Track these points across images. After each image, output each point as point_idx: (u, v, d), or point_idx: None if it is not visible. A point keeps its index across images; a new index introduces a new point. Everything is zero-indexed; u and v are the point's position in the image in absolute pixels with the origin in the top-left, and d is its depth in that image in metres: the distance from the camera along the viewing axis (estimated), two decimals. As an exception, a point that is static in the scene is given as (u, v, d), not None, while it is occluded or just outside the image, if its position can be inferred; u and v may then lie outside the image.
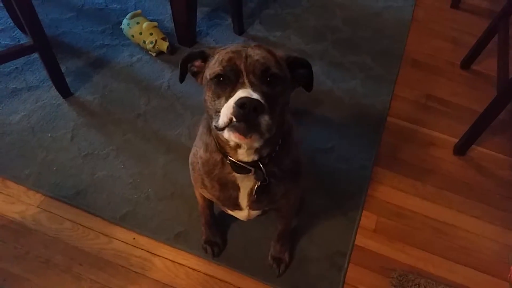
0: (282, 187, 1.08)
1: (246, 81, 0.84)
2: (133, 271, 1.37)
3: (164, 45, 1.92)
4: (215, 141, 0.99)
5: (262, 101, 0.80)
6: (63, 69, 1.74)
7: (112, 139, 1.67)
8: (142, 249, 1.42)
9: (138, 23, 1.92)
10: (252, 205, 1.09)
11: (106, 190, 1.53)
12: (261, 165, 0.97)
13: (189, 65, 1.03)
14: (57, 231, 1.43)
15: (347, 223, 1.53)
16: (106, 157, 1.62)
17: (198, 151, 1.08)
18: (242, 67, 0.85)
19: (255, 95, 0.80)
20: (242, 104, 0.78)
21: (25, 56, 1.83)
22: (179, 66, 1.02)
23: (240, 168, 0.98)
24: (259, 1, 2.35)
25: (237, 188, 1.05)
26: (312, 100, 1.87)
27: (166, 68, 1.94)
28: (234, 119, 0.79)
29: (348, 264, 1.43)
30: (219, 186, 1.06)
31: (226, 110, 0.81)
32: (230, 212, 1.18)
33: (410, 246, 1.50)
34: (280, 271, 1.40)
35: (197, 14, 2.01)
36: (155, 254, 1.41)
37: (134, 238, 1.44)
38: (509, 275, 1.45)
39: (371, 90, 1.97)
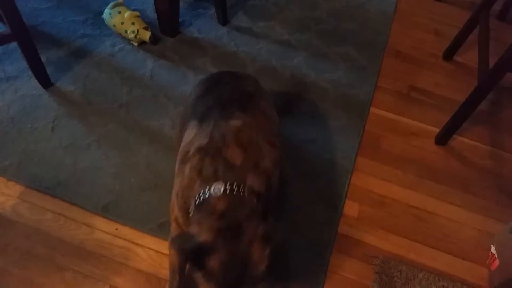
0: None
1: None
2: (116, 261, 1.36)
3: (146, 35, 1.90)
4: None
5: None
6: (43, 59, 1.71)
7: (94, 129, 1.65)
8: (125, 239, 1.41)
9: (120, 12, 1.90)
10: None
11: (88, 181, 1.51)
12: None
13: None
14: (38, 222, 1.42)
15: (330, 212, 1.54)
16: (88, 147, 1.60)
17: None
18: None
19: None
20: None
21: (3, 46, 1.79)
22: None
23: None
24: (243, -9, 2.34)
25: None
26: (296, 91, 1.88)
27: (149, 58, 1.92)
28: None
29: (331, 252, 1.45)
30: None
31: None
32: None
33: (392, 234, 1.52)
34: None
35: (180, 3, 2.00)
36: (138, 244, 1.40)
37: (116, 229, 1.43)
38: (488, 261, 1.48)
39: (355, 81, 1.98)
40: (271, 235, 0.93)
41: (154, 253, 1.39)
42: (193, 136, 1.15)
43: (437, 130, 1.82)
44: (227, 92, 1.26)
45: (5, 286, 1.29)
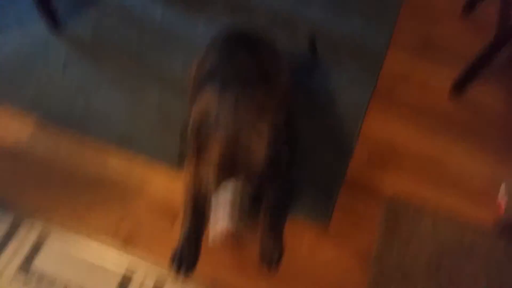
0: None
1: None
2: (131, 190, 1.40)
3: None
4: None
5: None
6: (52, 1, 1.70)
7: (104, 73, 1.66)
8: (139, 171, 1.44)
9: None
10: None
11: (101, 119, 1.54)
12: None
13: None
14: (54, 152, 1.46)
15: (341, 154, 1.55)
16: (99, 90, 1.61)
17: None
18: None
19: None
20: None
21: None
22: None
23: None
24: None
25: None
26: (309, 42, 1.87)
27: (159, 1, 1.90)
28: None
29: (338, 193, 1.46)
30: None
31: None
32: None
33: (401, 178, 1.52)
34: (272, 271, 1.29)
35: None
36: (152, 175, 1.44)
37: (130, 161, 1.46)
38: (496, 204, 1.49)
39: (370, 34, 1.95)
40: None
41: (168, 184, 1.42)
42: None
43: (452, 82, 1.80)
44: (246, 69, 1.29)
45: (27, 208, 1.35)
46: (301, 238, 1.36)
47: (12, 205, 1.35)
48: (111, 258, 1.29)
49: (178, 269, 1.24)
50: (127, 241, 1.31)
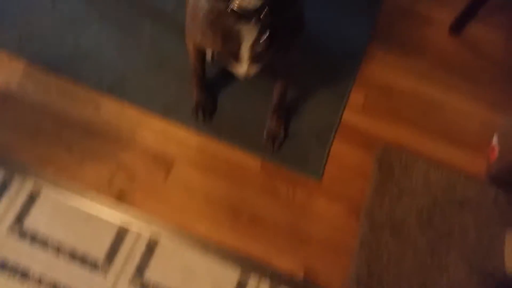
0: (283, 40, 1.06)
1: None
2: (124, 138, 1.39)
3: None
4: None
5: None
6: None
7: (94, 5, 1.58)
8: (132, 119, 1.42)
9: None
10: (254, 58, 1.08)
11: (91, 59, 1.49)
12: (263, 12, 0.94)
13: None
14: (44, 99, 1.42)
15: (336, 99, 1.53)
16: (90, 25, 1.54)
17: (198, 2, 1.03)
18: None
19: None
20: None
21: None
22: None
23: (243, 14, 0.94)
24: None
25: (239, 40, 1.02)
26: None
27: None
28: None
29: (333, 139, 1.47)
30: (221, 37, 1.03)
31: None
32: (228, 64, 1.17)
33: (396, 123, 1.53)
34: (275, 148, 1.43)
35: None
36: (144, 124, 1.42)
37: (122, 109, 1.43)
38: (488, 151, 1.51)
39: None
40: None
41: (160, 134, 1.41)
42: None
43: (452, 19, 1.73)
44: None
45: (18, 162, 1.33)
46: (294, 190, 1.39)
47: (1, 160, 1.33)
48: (105, 213, 1.30)
49: (203, 118, 1.43)
50: (121, 196, 1.32)
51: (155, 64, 1.50)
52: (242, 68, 1.13)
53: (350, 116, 1.52)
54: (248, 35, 1.01)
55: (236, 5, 0.92)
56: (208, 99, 1.45)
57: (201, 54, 1.29)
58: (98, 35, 1.53)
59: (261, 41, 1.01)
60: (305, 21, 1.13)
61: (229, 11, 0.94)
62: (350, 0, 1.74)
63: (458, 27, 1.72)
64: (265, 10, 0.93)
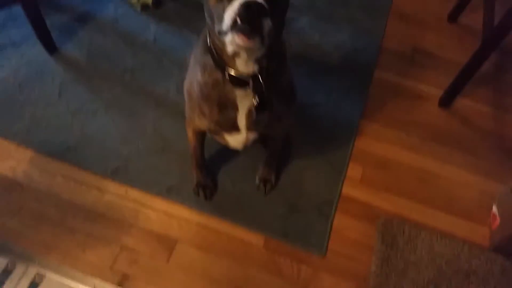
0: (278, 106, 1.12)
1: None
2: (127, 222, 1.40)
3: (149, -1, 1.88)
4: (214, 55, 1.00)
5: (265, 4, 0.81)
6: (47, 24, 1.70)
7: (100, 94, 1.66)
8: (135, 202, 1.44)
9: (122, -24, 1.88)
10: (250, 126, 1.13)
11: (96, 146, 1.54)
12: (260, 77, 0.99)
13: None
14: (49, 185, 1.45)
15: (334, 174, 1.57)
16: (95, 112, 1.61)
17: (194, 77, 1.10)
18: None
19: None
20: (247, 5, 0.79)
21: (8, 12, 1.79)
22: None
23: (239, 80, 1.00)
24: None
25: (236, 108, 1.08)
26: (300, 53, 1.87)
27: (152, 22, 1.91)
28: (238, 21, 0.81)
29: (335, 213, 1.48)
30: (218, 108, 1.08)
31: (231, 11, 0.82)
32: (226, 137, 1.21)
33: (395, 195, 1.55)
34: (267, 190, 1.50)
35: (182, -34, 1.97)
36: (147, 206, 1.44)
37: (126, 191, 1.46)
38: (489, 221, 1.52)
39: (359, 43, 1.97)
40: None
41: (163, 214, 1.43)
42: None
43: (441, 92, 1.82)
44: None
45: (20, 248, 1.33)
46: (298, 267, 1.37)
47: (5, 247, 1.33)
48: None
49: (204, 197, 1.46)
50: (124, 282, 1.30)
51: (157, 147, 1.55)
52: (241, 136, 1.18)
53: (350, 189, 1.55)
54: (245, 102, 1.06)
55: (233, 72, 0.99)
56: (208, 178, 1.48)
57: (201, 135, 1.35)
58: (103, 123, 1.60)
59: (257, 107, 1.05)
60: (296, 89, 1.20)
61: (226, 78, 1.00)
62: (340, 77, 1.84)
63: (447, 100, 1.80)
64: (263, 74, 0.99)
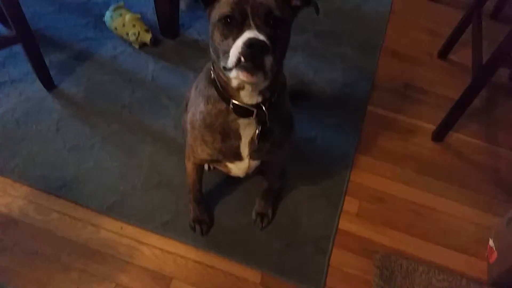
0: (279, 136, 1.15)
1: (252, 23, 0.88)
2: (122, 259, 1.39)
3: (147, 37, 1.93)
4: (218, 87, 1.03)
5: (267, 42, 0.85)
6: (46, 62, 1.73)
7: (97, 130, 1.68)
8: (130, 238, 1.43)
9: (121, 15, 1.93)
10: (252, 154, 1.15)
11: (92, 181, 1.54)
12: (263, 107, 1.03)
13: None
14: (44, 222, 1.44)
15: (331, 208, 1.57)
16: (92, 148, 1.62)
17: (197, 109, 1.12)
18: (248, 10, 0.89)
19: (261, 37, 0.85)
20: (250, 45, 0.84)
21: (7, 50, 1.82)
22: None
23: (243, 110, 1.03)
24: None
25: (239, 137, 1.10)
26: (294, 89, 1.91)
27: (150, 59, 1.95)
28: (242, 59, 0.85)
29: (332, 248, 1.47)
30: (221, 137, 1.11)
31: (235, 50, 0.86)
32: (229, 166, 1.23)
33: (392, 229, 1.55)
34: (263, 225, 1.49)
35: (180, 6, 2.03)
36: (143, 242, 1.43)
37: (121, 228, 1.45)
38: (486, 254, 1.51)
39: (352, 80, 2.02)
40: None
41: (158, 251, 1.41)
42: None
43: (434, 127, 1.85)
44: None
45: (14, 286, 1.31)
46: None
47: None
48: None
49: (200, 232, 1.45)
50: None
51: (154, 183, 1.56)
52: (243, 164, 1.19)
53: (346, 224, 1.54)
54: (248, 131, 1.09)
55: (238, 102, 1.01)
56: (205, 213, 1.48)
57: (200, 169, 1.36)
58: (100, 158, 1.60)
59: (259, 135, 1.08)
60: (293, 120, 1.23)
61: (230, 108, 1.03)
62: (334, 112, 1.87)
63: (440, 135, 1.83)
64: (266, 104, 1.03)
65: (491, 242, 1.51)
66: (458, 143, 1.86)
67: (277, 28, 0.91)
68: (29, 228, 1.42)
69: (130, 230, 1.45)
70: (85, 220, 1.46)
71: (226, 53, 0.88)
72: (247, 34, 0.85)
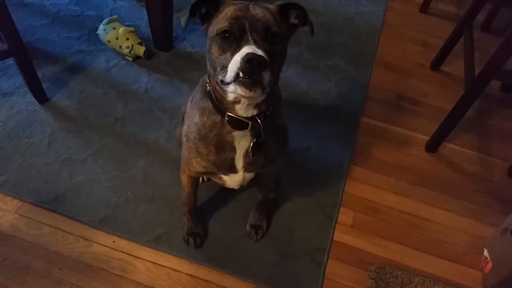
0: (273, 148, 1.14)
1: (250, 38, 0.88)
2: (114, 274, 1.37)
3: (140, 50, 1.93)
4: (214, 100, 1.03)
5: (266, 57, 0.85)
6: (39, 75, 1.73)
7: (90, 143, 1.67)
8: (123, 252, 1.41)
9: (114, 28, 1.93)
10: (247, 167, 1.14)
11: (84, 195, 1.52)
12: (258, 120, 1.02)
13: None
14: (36, 236, 1.42)
15: (326, 220, 1.56)
16: (84, 161, 1.61)
17: (192, 120, 1.12)
18: (246, 25, 0.89)
19: (259, 52, 0.85)
20: (249, 60, 0.84)
21: (-1, 63, 1.82)
22: (190, 7, 0.99)
23: (238, 123, 1.02)
24: None
25: (233, 150, 1.10)
26: (288, 102, 1.91)
27: (143, 72, 1.95)
28: (241, 74, 0.85)
29: (327, 260, 1.46)
30: (216, 149, 1.10)
31: (234, 65, 0.86)
32: (224, 178, 1.22)
33: (387, 240, 1.54)
34: (258, 237, 1.48)
35: (173, 19, 2.04)
36: (135, 256, 1.41)
37: (114, 241, 1.43)
38: (481, 264, 1.51)
39: (345, 92, 2.03)
40: None
41: (151, 265, 1.39)
42: None
43: (427, 138, 1.86)
44: None
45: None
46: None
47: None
48: None
49: (194, 245, 1.43)
50: None
51: (147, 196, 1.54)
52: (238, 176, 1.18)
53: (341, 235, 1.54)
54: (242, 143, 1.09)
55: (233, 114, 1.01)
56: (199, 226, 1.47)
57: (195, 182, 1.35)
58: (92, 171, 1.59)
59: (253, 148, 1.08)
60: (287, 132, 1.23)
61: (225, 121, 1.03)
62: (328, 123, 1.87)
63: (434, 146, 1.84)
64: (261, 117, 1.02)
65: (485, 252, 1.51)
66: (451, 153, 1.86)
67: (275, 43, 0.92)
68: (20, 242, 1.40)
69: (123, 244, 1.43)
70: (77, 234, 1.44)
71: (224, 67, 0.89)
72: (246, 49, 0.85)
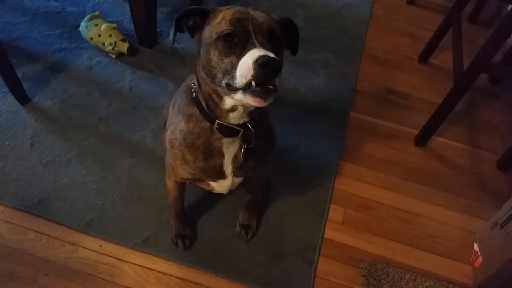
0: (262, 151, 1.12)
1: (255, 41, 0.83)
2: (102, 278, 1.34)
3: (124, 47, 1.88)
4: (203, 108, 0.99)
5: (280, 60, 0.80)
6: (19, 74, 1.68)
7: (73, 144, 1.62)
8: (110, 256, 1.38)
9: (96, 25, 1.88)
10: (236, 172, 1.11)
11: (69, 198, 1.48)
12: (250, 126, 0.99)
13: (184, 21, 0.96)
14: (20, 242, 1.38)
15: (316, 217, 1.55)
16: (68, 163, 1.57)
17: (176, 127, 1.08)
18: (250, 27, 0.85)
19: (271, 54, 0.79)
20: (264, 63, 0.77)
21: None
22: (175, 22, 0.94)
23: (229, 130, 0.99)
24: (221, 0, 2.35)
25: (221, 155, 1.06)
26: (277, 97, 1.88)
27: (127, 69, 1.90)
28: (253, 84, 0.78)
29: (318, 258, 1.45)
30: (203, 156, 1.06)
31: (244, 69, 0.79)
32: (212, 185, 1.19)
33: (378, 237, 1.54)
34: (248, 237, 1.45)
35: (157, 14, 1.99)
36: (123, 260, 1.38)
37: (100, 245, 1.40)
38: (471, 259, 1.51)
39: (334, 87, 2.01)
40: None
41: (140, 269, 1.37)
42: None
43: (416, 131, 1.85)
44: None
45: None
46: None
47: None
48: None
49: (183, 248, 1.40)
50: None
51: (133, 197, 1.51)
52: (226, 182, 1.15)
53: (332, 232, 1.52)
54: (231, 149, 1.06)
55: (225, 122, 0.97)
56: (188, 227, 1.44)
57: (182, 186, 1.32)
58: (77, 174, 1.55)
59: (244, 153, 1.05)
60: (275, 134, 1.21)
61: (214, 128, 0.99)
62: (317, 119, 1.85)
63: (423, 139, 1.83)
64: (251, 123, 0.99)
65: (475, 247, 1.50)
66: (441, 147, 1.86)
67: (278, 47, 0.88)
68: (3, 249, 1.36)
69: (110, 247, 1.40)
70: (63, 239, 1.40)
71: (228, 72, 0.83)
72: (257, 52, 0.79)
